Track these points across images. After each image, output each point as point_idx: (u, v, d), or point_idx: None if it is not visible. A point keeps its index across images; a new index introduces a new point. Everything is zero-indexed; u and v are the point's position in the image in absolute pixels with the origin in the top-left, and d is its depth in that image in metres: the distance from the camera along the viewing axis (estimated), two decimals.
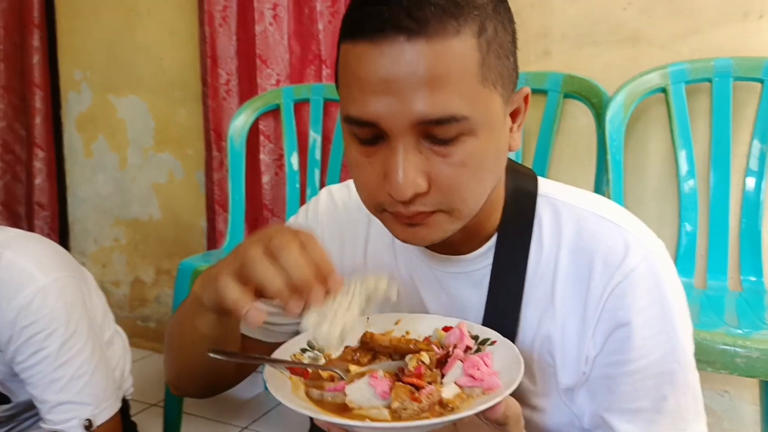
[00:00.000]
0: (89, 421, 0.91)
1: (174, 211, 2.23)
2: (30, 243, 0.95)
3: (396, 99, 0.52)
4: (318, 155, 1.85)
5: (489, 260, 0.67)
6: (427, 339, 0.65)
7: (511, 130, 0.61)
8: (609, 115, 1.36)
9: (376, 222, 0.75)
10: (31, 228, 2.33)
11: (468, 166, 0.55)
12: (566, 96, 1.50)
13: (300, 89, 1.85)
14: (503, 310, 0.65)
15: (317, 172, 1.85)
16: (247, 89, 1.91)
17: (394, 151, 0.54)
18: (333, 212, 0.78)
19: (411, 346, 0.62)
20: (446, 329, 0.65)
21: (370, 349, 0.63)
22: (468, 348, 0.61)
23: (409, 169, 0.54)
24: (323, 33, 1.79)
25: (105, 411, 0.94)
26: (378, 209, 0.59)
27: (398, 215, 0.57)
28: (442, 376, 0.58)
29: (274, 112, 1.88)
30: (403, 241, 0.60)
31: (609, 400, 0.64)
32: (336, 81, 0.59)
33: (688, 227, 1.39)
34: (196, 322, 0.63)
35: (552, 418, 0.68)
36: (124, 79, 2.24)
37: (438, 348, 0.62)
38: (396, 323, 0.68)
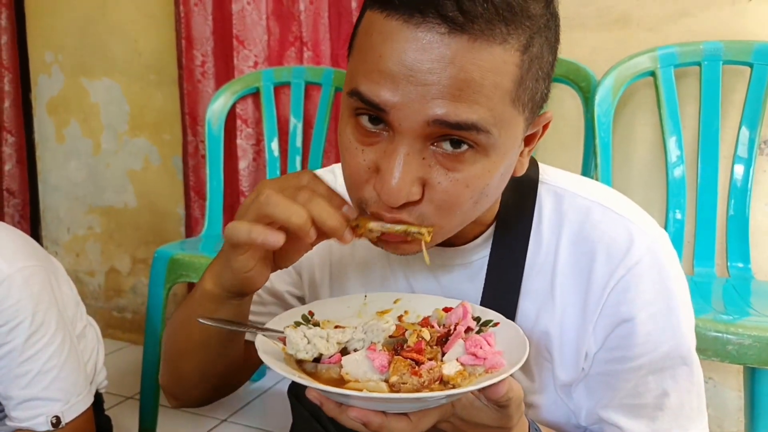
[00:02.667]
0: (57, 418, 0.87)
1: (150, 198, 2.16)
2: None
3: (416, 92, 0.46)
4: (299, 142, 1.80)
5: (486, 251, 0.64)
6: (425, 319, 0.62)
7: (521, 153, 0.57)
8: (597, 98, 1.33)
9: None
10: (1, 216, 2.25)
11: (471, 187, 0.50)
12: (553, 80, 1.47)
13: (281, 72, 1.79)
14: (500, 303, 0.62)
15: (298, 159, 1.80)
16: (224, 72, 1.85)
17: (395, 150, 0.49)
18: None
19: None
20: (447, 310, 0.62)
21: None
22: (470, 329, 0.59)
23: (407, 173, 0.48)
24: (304, 14, 1.74)
25: (75, 406, 0.90)
26: (359, 203, 0.54)
27: (377, 216, 0.52)
28: (443, 354, 0.55)
29: (253, 95, 1.83)
30: (387, 251, 0.56)
31: (609, 396, 0.62)
32: (349, 46, 0.53)
33: (677, 214, 1.37)
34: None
35: (548, 415, 0.66)
36: (98, 62, 2.16)
37: (438, 327, 0.59)
38: (395, 302, 0.65)
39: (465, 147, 0.49)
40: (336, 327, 0.61)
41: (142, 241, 2.20)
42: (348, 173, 0.54)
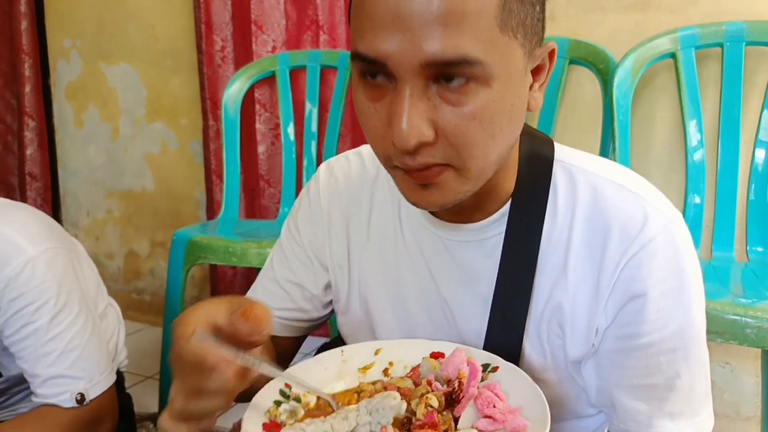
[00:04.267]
0: (81, 395, 0.89)
1: (168, 182, 2.18)
2: (18, 213, 0.92)
3: (406, 36, 0.48)
4: (314, 127, 1.80)
5: (502, 228, 0.64)
6: (415, 370, 0.59)
7: (531, 88, 0.57)
8: (616, 81, 1.32)
9: (380, 190, 0.72)
10: (24, 199, 2.29)
11: (478, 119, 0.51)
12: (571, 62, 1.46)
13: (296, 56, 1.79)
14: (516, 279, 0.62)
15: (314, 144, 1.81)
16: (243, 56, 1.86)
17: (400, 96, 0.50)
18: (335, 188, 0.74)
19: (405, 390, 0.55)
20: (436, 356, 0.60)
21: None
22: (473, 374, 0.55)
23: (414, 115, 0.50)
24: None
25: (99, 384, 0.92)
26: (388, 163, 0.56)
27: (407, 169, 0.54)
28: (455, 420, 0.52)
29: (270, 80, 1.83)
30: (413, 203, 0.57)
31: (618, 375, 0.62)
32: (348, 15, 0.55)
33: (696, 199, 1.36)
34: None
35: (559, 392, 0.66)
36: (115, 47, 2.18)
37: (437, 383, 0.55)
38: (376, 353, 0.63)
39: (463, 80, 0.50)
40: (319, 399, 0.57)
41: (160, 224, 2.22)
42: (370, 137, 0.55)
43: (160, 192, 2.20)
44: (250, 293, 0.79)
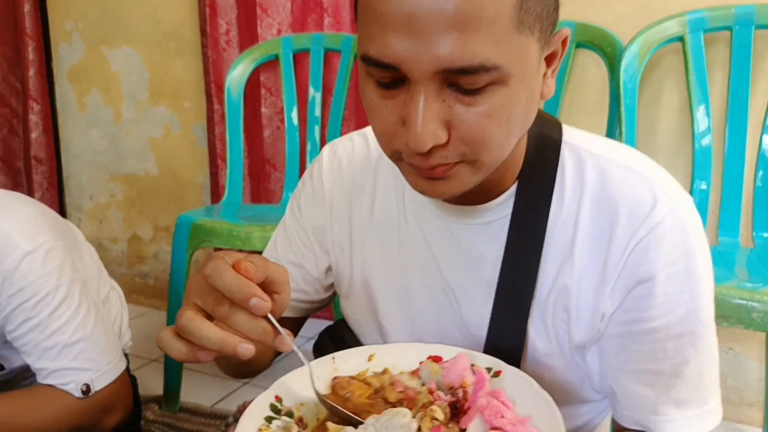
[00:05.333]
0: (87, 386, 0.88)
1: (171, 166, 2.18)
2: (12, 205, 0.90)
3: (420, 40, 0.46)
4: (318, 111, 1.79)
5: (507, 210, 0.63)
6: (415, 373, 0.58)
7: (544, 75, 0.56)
8: (623, 64, 1.31)
9: (383, 172, 0.71)
10: (30, 183, 2.29)
11: (494, 117, 0.50)
12: (578, 45, 1.44)
13: (299, 39, 1.78)
14: (522, 262, 0.62)
15: (317, 129, 1.80)
16: (248, 40, 1.84)
17: (414, 98, 0.49)
18: (338, 170, 0.74)
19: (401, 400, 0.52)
20: (436, 359, 0.58)
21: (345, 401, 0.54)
22: (480, 384, 0.52)
23: (429, 118, 0.49)
24: None
25: (106, 375, 0.91)
26: (395, 157, 0.55)
27: (417, 166, 0.53)
28: (461, 430, 0.50)
29: (276, 63, 1.82)
30: (420, 192, 0.56)
31: (623, 360, 0.61)
32: (354, 14, 0.54)
33: (702, 185, 1.35)
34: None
35: (564, 377, 0.65)
36: (118, 31, 2.16)
37: (440, 392, 0.53)
38: (369, 359, 0.60)
39: (479, 84, 0.49)
40: (319, 419, 0.54)
41: (164, 209, 2.22)
42: (377, 131, 0.54)
43: (163, 176, 2.20)
44: None
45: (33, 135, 2.24)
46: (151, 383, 1.65)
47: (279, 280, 0.49)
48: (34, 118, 2.23)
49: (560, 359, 0.64)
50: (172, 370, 1.58)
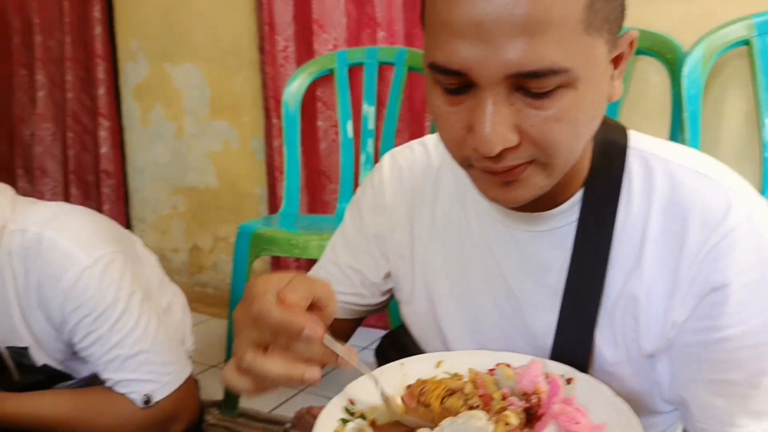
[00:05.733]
0: (148, 396, 0.90)
1: (230, 179, 2.25)
2: (71, 219, 0.91)
3: (488, 46, 0.47)
4: (372, 124, 1.82)
5: (573, 217, 0.63)
6: (490, 372, 0.58)
7: (612, 77, 0.55)
8: (686, 70, 1.28)
9: (445, 180, 0.72)
10: (99, 196, 2.40)
11: (563, 121, 0.50)
12: (637, 53, 1.41)
13: (354, 53, 1.81)
14: (589, 269, 0.61)
15: (371, 142, 1.83)
16: (305, 55, 1.90)
17: (482, 103, 0.49)
18: (399, 177, 0.74)
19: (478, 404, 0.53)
20: (505, 366, 0.58)
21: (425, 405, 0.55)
22: (554, 390, 0.52)
23: (498, 123, 0.49)
24: None
25: (167, 385, 0.92)
26: (465, 164, 0.56)
27: (488, 170, 0.53)
28: None
29: (331, 77, 1.86)
30: (492, 200, 0.57)
31: (695, 369, 0.59)
32: (421, 22, 0.54)
33: None
34: None
35: (631, 386, 0.64)
36: (180, 48, 2.25)
37: (513, 397, 0.52)
38: (437, 365, 0.61)
39: (548, 88, 0.49)
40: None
41: (223, 220, 2.29)
42: (445, 138, 0.55)
43: (222, 188, 2.27)
44: (312, 274, 0.79)
45: (102, 150, 2.36)
46: (211, 388, 1.69)
47: (324, 296, 0.50)
48: (103, 134, 2.35)
49: (628, 368, 0.63)
50: None
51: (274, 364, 0.48)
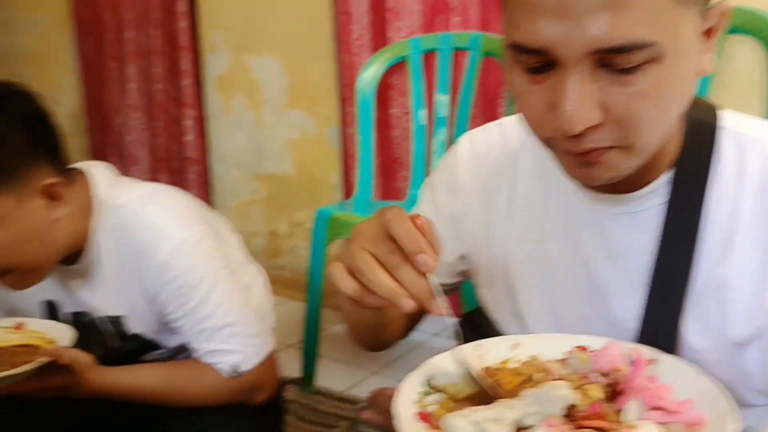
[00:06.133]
0: (235, 367, 0.95)
1: (306, 166, 2.32)
2: (165, 198, 0.97)
3: (570, 23, 0.46)
4: (445, 111, 1.82)
5: (659, 199, 0.61)
6: (563, 362, 0.58)
7: (702, 51, 0.53)
8: None
9: (524, 162, 0.71)
10: (184, 183, 2.53)
11: (651, 97, 0.49)
12: (731, 31, 1.34)
13: (428, 39, 1.81)
14: (677, 254, 0.59)
15: (444, 128, 1.83)
16: (379, 44, 1.92)
17: (565, 81, 0.48)
18: (476, 160, 0.73)
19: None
20: (581, 349, 0.57)
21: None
22: (638, 367, 0.52)
23: (582, 100, 0.48)
24: None
25: (252, 357, 0.97)
26: (548, 143, 0.55)
27: (569, 152, 0.53)
28: (617, 410, 0.49)
29: (404, 65, 1.87)
30: (575, 179, 0.56)
31: None
32: (500, 3, 0.54)
33: None
34: (358, 313, 0.66)
35: (718, 375, 0.61)
36: (259, 40, 2.33)
37: (594, 374, 0.52)
38: (514, 347, 0.60)
39: (634, 63, 0.47)
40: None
41: (299, 206, 2.37)
42: (528, 117, 0.54)
43: (299, 175, 2.34)
44: None
45: (187, 138, 2.49)
46: (287, 367, 1.76)
47: (436, 246, 0.51)
48: (188, 123, 2.47)
49: (715, 356, 0.61)
50: (309, 357, 1.68)
51: (385, 276, 0.48)
